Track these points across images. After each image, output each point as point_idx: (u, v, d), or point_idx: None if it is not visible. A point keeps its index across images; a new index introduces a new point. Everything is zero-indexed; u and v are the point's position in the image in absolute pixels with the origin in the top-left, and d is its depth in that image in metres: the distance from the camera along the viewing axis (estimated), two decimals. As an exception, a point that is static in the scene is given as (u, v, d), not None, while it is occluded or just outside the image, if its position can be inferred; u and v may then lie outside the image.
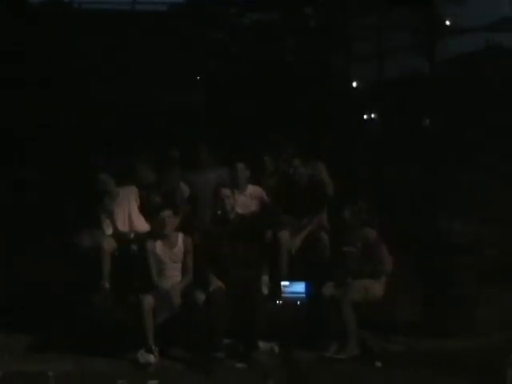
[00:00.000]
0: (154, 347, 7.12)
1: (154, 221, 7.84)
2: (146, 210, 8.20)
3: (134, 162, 8.53)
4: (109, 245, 7.88)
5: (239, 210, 7.89)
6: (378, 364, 6.99)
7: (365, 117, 15.41)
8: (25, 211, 9.87)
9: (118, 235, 8.08)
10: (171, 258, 7.43)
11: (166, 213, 7.49)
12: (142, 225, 8.19)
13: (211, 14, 14.16)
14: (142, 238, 7.87)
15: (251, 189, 8.36)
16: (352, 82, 15.31)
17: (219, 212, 7.71)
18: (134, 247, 7.92)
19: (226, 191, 7.66)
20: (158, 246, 7.46)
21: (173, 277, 7.41)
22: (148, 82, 12.53)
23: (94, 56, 12.21)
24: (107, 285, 7.78)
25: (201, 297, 7.14)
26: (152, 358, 7.10)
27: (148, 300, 7.09)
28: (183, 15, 13.48)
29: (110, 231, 8.09)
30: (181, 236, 7.55)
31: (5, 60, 11.83)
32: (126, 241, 8.04)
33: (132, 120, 11.81)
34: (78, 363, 7.12)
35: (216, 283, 7.23)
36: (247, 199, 8.26)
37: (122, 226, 8.15)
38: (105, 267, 7.81)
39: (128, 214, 8.19)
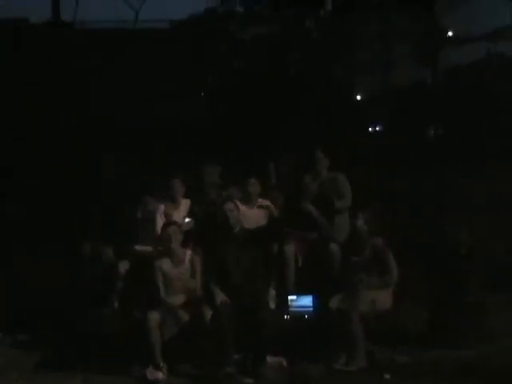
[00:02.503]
0: (162, 364, 7.10)
1: (160, 237, 7.83)
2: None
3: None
4: (124, 265, 7.91)
5: (249, 224, 7.94)
6: (387, 376, 6.96)
7: (369, 128, 15.41)
8: (35, 222, 9.90)
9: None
10: (177, 275, 7.42)
11: (172, 228, 7.51)
12: None
13: (212, 30, 14.24)
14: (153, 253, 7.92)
15: (261, 202, 8.40)
16: (356, 93, 15.33)
17: (223, 226, 7.73)
18: (143, 263, 7.92)
19: (230, 205, 7.69)
20: (166, 263, 7.46)
21: (179, 294, 7.41)
22: (151, 98, 12.57)
23: (95, 73, 12.27)
24: (116, 304, 7.84)
25: (208, 312, 7.14)
26: (160, 375, 7.07)
27: (154, 316, 7.08)
28: (184, 32, 13.55)
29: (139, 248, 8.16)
30: (189, 253, 7.54)
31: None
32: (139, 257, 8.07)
33: (135, 135, 11.85)
34: (86, 380, 7.11)
35: (221, 297, 7.23)
36: (257, 213, 8.30)
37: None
38: (117, 286, 7.88)
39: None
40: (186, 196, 8.47)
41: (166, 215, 8.22)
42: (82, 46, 12.48)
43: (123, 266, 7.92)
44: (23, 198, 10.86)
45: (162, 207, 8.25)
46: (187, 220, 8.24)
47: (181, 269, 7.43)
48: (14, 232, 9.72)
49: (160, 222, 8.11)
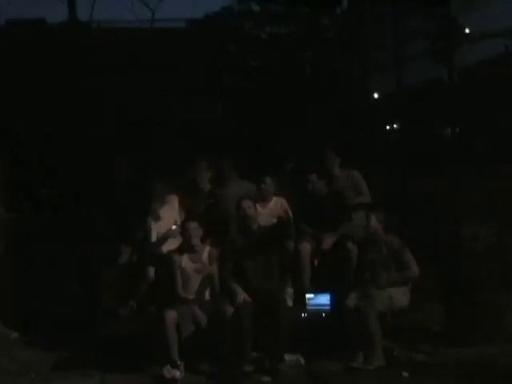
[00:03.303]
0: (179, 362, 7.12)
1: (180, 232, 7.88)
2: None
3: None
4: (151, 271, 7.92)
5: (263, 223, 7.92)
6: (405, 374, 6.93)
7: (387, 127, 15.34)
8: (49, 223, 9.93)
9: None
10: (196, 270, 7.44)
11: (192, 224, 7.52)
12: None
13: (229, 29, 14.29)
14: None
15: (275, 201, 8.39)
16: (372, 92, 15.26)
17: (241, 223, 7.73)
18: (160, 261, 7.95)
19: (248, 202, 7.69)
20: (184, 259, 7.48)
21: (197, 290, 7.42)
22: (168, 98, 12.58)
23: (111, 74, 12.29)
24: (135, 305, 7.87)
25: (229, 309, 7.15)
26: (178, 374, 7.10)
27: (171, 314, 7.10)
28: (201, 31, 13.57)
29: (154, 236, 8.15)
30: (207, 249, 7.58)
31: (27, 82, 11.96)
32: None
33: (153, 135, 11.87)
34: (103, 380, 7.16)
35: (242, 295, 7.24)
36: (271, 211, 8.29)
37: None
38: (140, 289, 7.91)
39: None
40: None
41: (153, 214, 8.27)
42: (99, 46, 12.51)
43: (152, 271, 7.92)
44: (36, 201, 10.91)
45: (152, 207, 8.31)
46: (174, 227, 8.23)
47: (198, 264, 7.47)
48: (29, 233, 9.74)
49: (153, 225, 8.18)
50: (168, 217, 8.24)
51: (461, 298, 7.75)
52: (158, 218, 8.23)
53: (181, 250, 7.60)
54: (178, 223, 8.12)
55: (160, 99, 12.57)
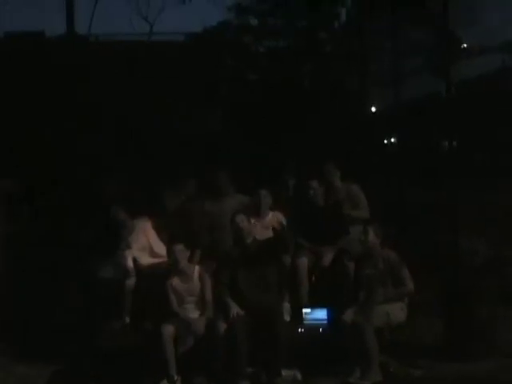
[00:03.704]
0: (176, 377, 7.10)
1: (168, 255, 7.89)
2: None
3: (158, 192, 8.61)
4: (130, 280, 7.93)
5: (258, 237, 7.89)
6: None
7: (384, 141, 15.38)
8: (42, 239, 9.91)
9: (138, 266, 8.11)
10: (188, 292, 7.44)
11: (178, 247, 7.52)
12: (164, 253, 8.20)
13: (228, 43, 14.37)
14: (164, 267, 7.89)
15: (271, 215, 8.36)
16: (370, 106, 15.30)
17: (235, 237, 7.72)
18: (156, 276, 7.92)
19: (241, 217, 7.67)
20: (176, 280, 7.48)
21: (191, 309, 7.42)
22: (165, 112, 12.62)
23: (109, 87, 12.33)
24: (127, 320, 7.86)
25: (222, 325, 7.13)
26: (175, 389, 7.08)
27: (168, 330, 7.09)
28: (200, 45, 13.65)
29: (129, 262, 8.10)
30: (197, 269, 7.55)
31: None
32: (147, 270, 8.07)
33: (150, 149, 11.90)
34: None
35: (235, 309, 7.23)
36: (267, 225, 8.25)
37: (143, 257, 8.18)
38: (126, 302, 7.91)
39: (148, 244, 8.23)
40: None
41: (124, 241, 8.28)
42: (98, 59, 12.56)
43: (130, 282, 7.94)
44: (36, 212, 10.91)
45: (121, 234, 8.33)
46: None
47: (190, 285, 7.46)
48: (27, 248, 9.75)
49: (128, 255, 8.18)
50: (139, 241, 8.27)
51: (459, 312, 7.74)
52: (128, 245, 8.25)
53: (171, 272, 7.54)
54: (153, 244, 8.19)
55: (158, 112, 12.60)
